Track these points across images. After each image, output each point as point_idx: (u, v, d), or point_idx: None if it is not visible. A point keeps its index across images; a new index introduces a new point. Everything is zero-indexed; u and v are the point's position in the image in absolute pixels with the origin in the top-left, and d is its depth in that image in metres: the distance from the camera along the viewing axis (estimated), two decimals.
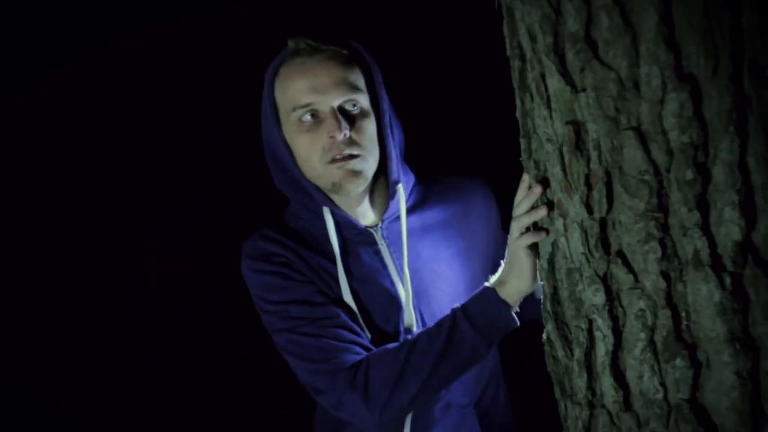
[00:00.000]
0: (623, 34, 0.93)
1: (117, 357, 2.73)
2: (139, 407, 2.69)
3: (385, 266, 1.38)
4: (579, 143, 0.99)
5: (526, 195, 1.12)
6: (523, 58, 1.04)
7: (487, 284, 1.26)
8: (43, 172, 2.72)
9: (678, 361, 0.95)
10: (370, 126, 1.33)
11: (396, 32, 2.69)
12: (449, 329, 1.25)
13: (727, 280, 0.92)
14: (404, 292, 1.36)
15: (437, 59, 2.75)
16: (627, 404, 1.00)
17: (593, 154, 0.98)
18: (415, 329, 1.35)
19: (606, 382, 1.01)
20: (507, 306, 1.24)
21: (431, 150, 1.50)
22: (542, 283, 1.13)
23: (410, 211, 1.41)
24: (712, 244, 0.92)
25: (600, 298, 1.00)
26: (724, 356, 0.93)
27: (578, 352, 1.04)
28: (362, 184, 1.33)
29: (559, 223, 1.04)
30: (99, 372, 2.69)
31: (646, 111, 0.93)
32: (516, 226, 1.15)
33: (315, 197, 1.35)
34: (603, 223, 0.99)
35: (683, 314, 0.95)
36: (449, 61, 2.79)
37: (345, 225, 1.37)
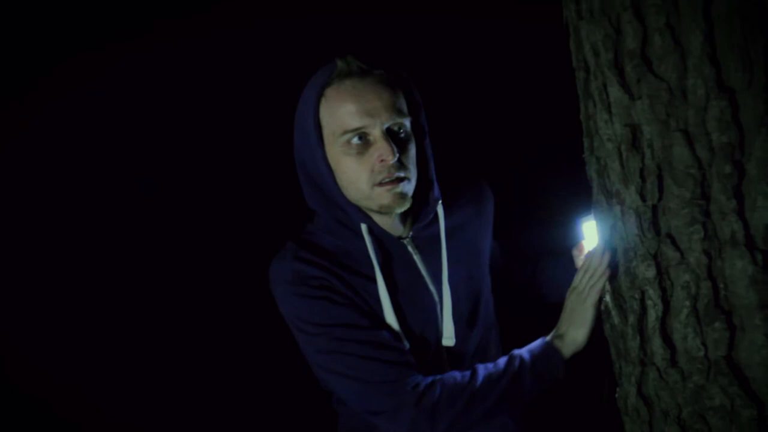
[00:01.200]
0: (673, 52, 1.14)
1: (117, 357, 2.74)
2: (140, 407, 2.73)
3: (420, 275, 1.45)
4: (635, 142, 1.20)
5: (599, 263, 1.30)
6: (587, 70, 1.26)
7: (547, 339, 1.39)
8: (43, 172, 2.72)
9: (717, 325, 1.16)
10: (413, 149, 1.38)
11: (393, 32, 2.77)
12: (513, 376, 1.36)
13: (759, 257, 1.13)
14: (445, 299, 1.43)
15: (431, 61, 2.87)
16: (673, 361, 1.21)
17: (647, 152, 1.19)
18: (452, 335, 1.43)
19: (656, 343, 1.22)
20: (563, 360, 1.36)
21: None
22: None
23: (435, 218, 1.48)
24: (747, 227, 1.13)
25: (651, 272, 1.21)
26: (756, 320, 1.14)
27: (632, 319, 1.25)
28: (407, 206, 1.38)
29: (617, 209, 1.26)
30: (99, 372, 2.72)
31: (692, 115, 1.14)
32: (594, 288, 1.33)
33: (352, 215, 1.39)
34: (654, 209, 1.20)
35: (721, 285, 1.16)
36: (444, 63, 2.92)
37: (381, 240, 1.42)
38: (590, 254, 1.34)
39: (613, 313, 1.30)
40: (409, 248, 1.44)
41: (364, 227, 1.39)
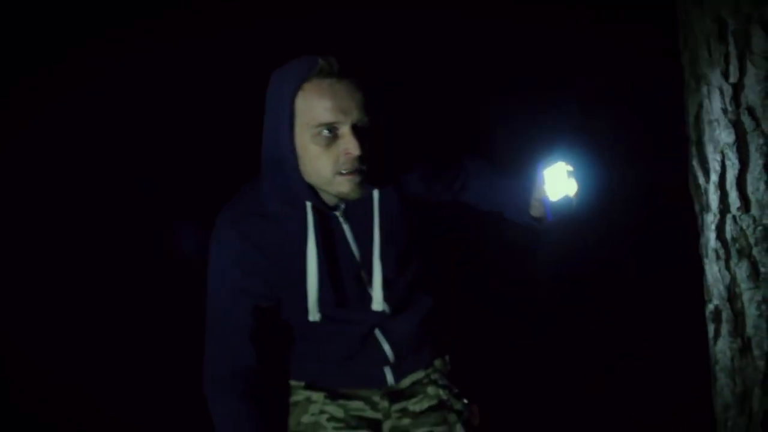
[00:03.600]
0: None
1: (117, 357, 2.89)
2: (139, 407, 2.87)
3: (347, 244, 1.75)
4: (721, 33, 1.62)
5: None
6: None
7: None
8: (43, 172, 2.86)
9: None
10: (372, 144, 1.63)
11: (393, 32, 2.97)
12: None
13: None
14: (375, 271, 1.74)
15: (430, 61, 3.05)
16: (747, 208, 1.64)
17: (731, 40, 1.60)
18: (381, 301, 1.76)
19: (733, 195, 1.65)
20: None
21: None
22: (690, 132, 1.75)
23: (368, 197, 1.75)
24: None
25: (731, 138, 1.63)
26: None
27: (714, 177, 1.68)
28: (361, 194, 1.65)
29: (704, 89, 1.68)
30: (99, 372, 2.86)
31: None
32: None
33: (302, 194, 1.66)
34: (735, 87, 1.62)
35: None
36: (444, 63, 3.10)
37: (319, 214, 1.71)
38: None
39: (699, 174, 1.73)
40: (341, 220, 1.74)
41: (309, 204, 1.69)
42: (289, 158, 1.63)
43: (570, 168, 1.69)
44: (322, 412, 1.89)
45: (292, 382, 1.94)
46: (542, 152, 1.73)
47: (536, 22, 2.87)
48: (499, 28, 2.94)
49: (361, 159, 1.60)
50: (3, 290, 2.78)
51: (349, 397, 1.90)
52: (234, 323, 1.77)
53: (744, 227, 1.65)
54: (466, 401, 1.92)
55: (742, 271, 1.66)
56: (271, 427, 1.81)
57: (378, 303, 1.77)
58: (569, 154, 1.72)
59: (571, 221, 1.75)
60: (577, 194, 1.71)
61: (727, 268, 1.69)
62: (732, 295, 1.68)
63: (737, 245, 1.67)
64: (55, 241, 2.88)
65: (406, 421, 1.90)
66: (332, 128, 1.59)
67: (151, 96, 2.92)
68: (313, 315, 1.74)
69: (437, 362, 1.94)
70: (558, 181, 1.69)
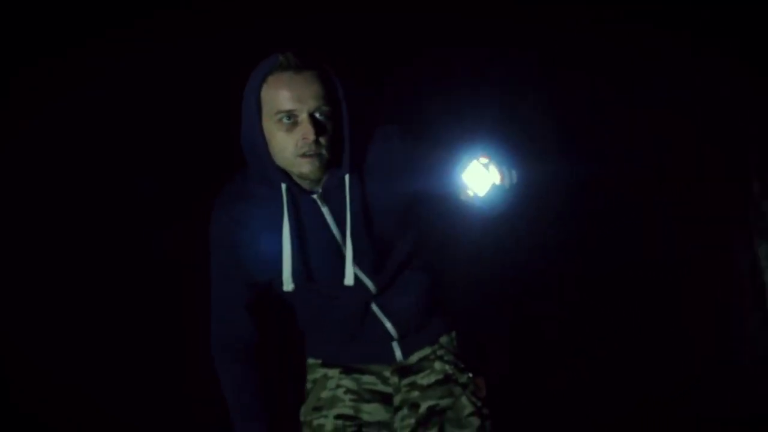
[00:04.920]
0: None
1: (117, 357, 2.96)
2: (140, 407, 2.95)
3: (326, 224, 1.93)
4: None
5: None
6: None
7: None
8: (43, 172, 2.92)
9: None
10: (331, 130, 1.83)
11: (393, 32, 3.10)
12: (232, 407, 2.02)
13: None
14: (348, 249, 1.91)
15: (430, 60, 3.19)
16: None
17: None
18: (351, 277, 1.93)
19: None
20: None
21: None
22: None
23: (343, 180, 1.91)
24: None
25: None
26: None
27: None
28: (321, 174, 1.87)
29: None
30: (99, 372, 2.93)
31: None
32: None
33: (275, 176, 1.87)
34: None
35: None
36: (443, 62, 3.22)
37: (295, 195, 1.91)
38: None
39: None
40: (319, 202, 1.93)
41: (283, 186, 1.89)
42: (260, 144, 1.86)
43: (485, 160, 1.78)
44: (338, 386, 2.11)
45: (310, 361, 2.17)
46: (456, 154, 1.81)
47: (536, 22, 3.04)
48: (499, 28, 3.11)
49: (317, 143, 1.81)
50: (3, 290, 2.87)
51: (362, 372, 2.12)
52: (228, 297, 2.02)
53: None
54: (470, 375, 2.11)
55: None
56: (268, 390, 2.05)
57: (349, 278, 1.96)
58: (482, 147, 1.79)
59: (509, 206, 1.81)
60: (503, 180, 1.77)
61: None
62: None
63: None
64: (55, 241, 2.98)
65: (414, 393, 2.10)
66: (291, 115, 1.80)
67: (151, 96, 3.03)
68: (287, 285, 1.95)
69: (443, 339, 2.13)
70: (479, 177, 1.77)
